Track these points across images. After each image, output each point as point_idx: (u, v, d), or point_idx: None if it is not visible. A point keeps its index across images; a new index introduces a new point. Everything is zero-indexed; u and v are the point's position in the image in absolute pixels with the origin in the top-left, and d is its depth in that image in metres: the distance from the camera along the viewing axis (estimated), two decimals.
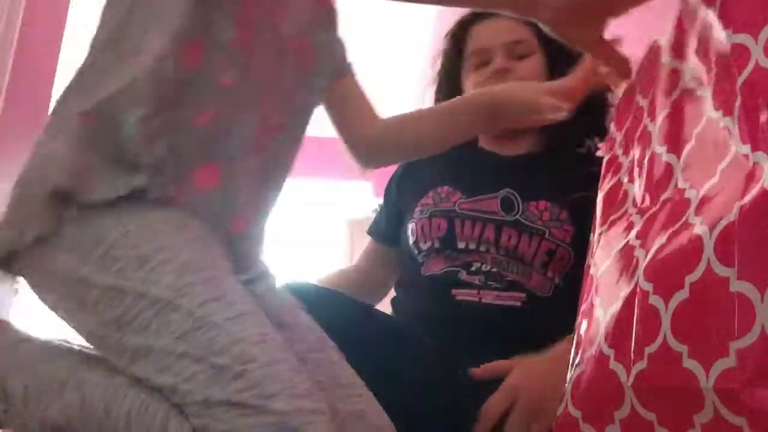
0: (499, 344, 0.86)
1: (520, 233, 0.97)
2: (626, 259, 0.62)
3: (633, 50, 0.75)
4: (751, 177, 0.49)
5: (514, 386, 0.80)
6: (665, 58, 0.68)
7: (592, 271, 0.71)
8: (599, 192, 0.76)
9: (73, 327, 0.66)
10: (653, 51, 0.73)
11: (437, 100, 1.17)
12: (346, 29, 0.89)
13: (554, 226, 0.97)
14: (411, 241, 1.05)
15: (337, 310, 0.83)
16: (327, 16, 0.86)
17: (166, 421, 0.57)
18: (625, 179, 0.71)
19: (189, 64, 0.68)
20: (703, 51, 0.62)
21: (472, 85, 1.09)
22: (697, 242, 0.51)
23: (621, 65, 0.73)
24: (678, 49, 0.66)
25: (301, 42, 0.78)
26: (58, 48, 1.98)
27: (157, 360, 0.59)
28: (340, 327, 0.77)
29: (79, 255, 0.63)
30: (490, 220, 0.99)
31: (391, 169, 1.20)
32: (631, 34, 0.77)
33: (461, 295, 0.96)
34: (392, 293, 1.11)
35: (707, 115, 0.57)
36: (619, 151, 0.76)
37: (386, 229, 1.16)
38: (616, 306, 0.60)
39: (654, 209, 0.62)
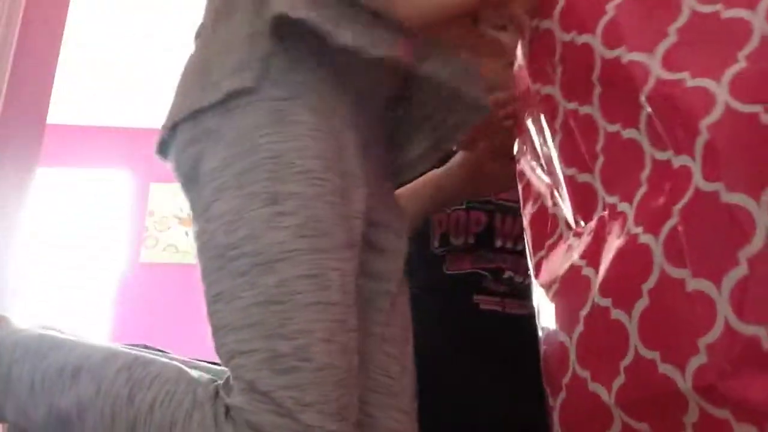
0: (522, 357, 0.83)
1: None
2: (575, 280, 0.63)
3: None
4: (681, 179, 0.51)
5: None
6: (534, 85, 0.71)
7: (539, 296, 0.70)
8: (524, 217, 0.77)
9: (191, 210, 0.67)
10: (522, 78, 0.76)
11: None
12: None
13: None
14: (437, 232, 0.99)
15: None
16: None
17: (191, 410, 0.58)
18: (549, 203, 0.72)
19: None
20: (563, 70, 0.66)
21: None
22: (645, 251, 0.53)
23: (493, 47, 0.76)
24: (541, 74, 0.69)
25: None
26: (58, 48, 1.97)
27: (232, 315, 0.60)
28: None
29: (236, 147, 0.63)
30: None
31: None
32: None
33: (484, 303, 0.93)
34: None
35: (605, 130, 0.60)
36: (532, 177, 0.77)
37: None
38: (579, 327, 0.60)
39: (591, 228, 0.63)
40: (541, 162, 0.74)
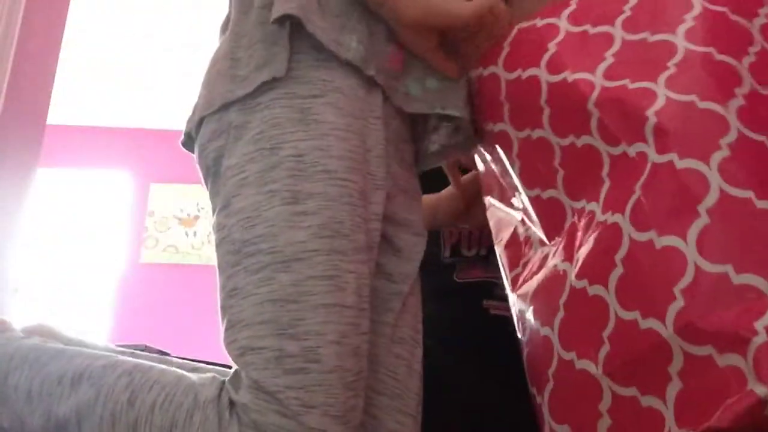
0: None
1: None
2: (552, 277, 0.67)
3: None
4: (638, 163, 0.59)
5: None
6: (487, 126, 0.77)
7: (518, 305, 0.73)
8: (497, 248, 0.81)
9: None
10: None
11: None
12: None
13: None
14: (449, 242, 1.00)
15: None
16: None
17: (192, 410, 0.58)
18: (521, 230, 0.77)
19: None
20: (510, 106, 0.73)
21: None
22: (614, 228, 0.59)
23: (447, 70, 0.77)
24: (490, 114, 0.76)
25: None
26: (58, 48, 1.97)
27: (247, 311, 0.60)
28: None
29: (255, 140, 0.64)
30: None
31: None
32: None
33: (494, 309, 0.93)
34: None
35: (559, 146, 0.67)
36: (501, 213, 0.82)
37: None
38: (560, 314, 0.64)
39: (563, 235, 0.68)
40: (507, 197, 0.80)
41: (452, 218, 0.97)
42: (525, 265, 0.75)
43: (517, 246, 0.77)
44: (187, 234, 4.54)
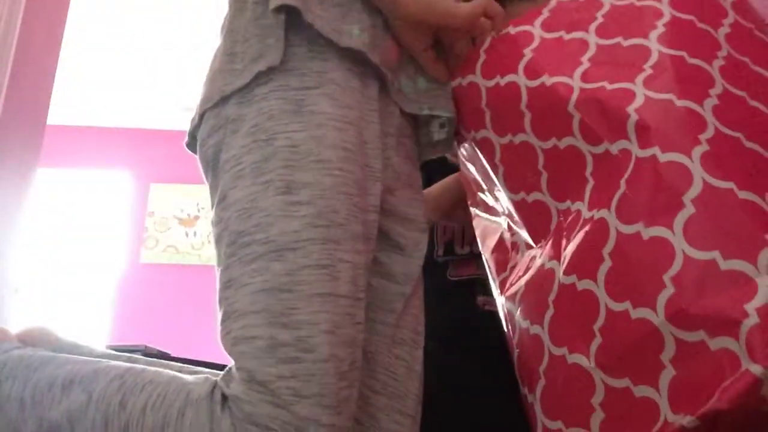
0: None
1: None
2: (540, 276, 0.68)
3: None
4: (621, 160, 0.60)
5: None
6: (469, 134, 0.78)
7: (506, 307, 0.74)
8: (484, 254, 0.83)
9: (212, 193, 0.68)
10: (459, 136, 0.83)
11: None
12: None
13: None
14: (442, 241, 1.00)
15: None
16: None
17: (183, 408, 0.57)
18: (507, 235, 0.79)
19: None
20: (492, 113, 0.75)
21: None
22: (601, 223, 0.60)
23: (437, 74, 0.78)
24: (472, 122, 0.77)
25: None
26: (58, 48, 1.97)
27: (240, 302, 0.59)
28: None
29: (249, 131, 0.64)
30: None
31: None
32: None
33: (489, 305, 0.93)
34: None
35: (542, 149, 0.68)
36: (487, 222, 0.84)
37: None
38: (549, 312, 0.65)
39: (551, 232, 0.69)
40: (491, 205, 0.81)
41: (454, 207, 0.97)
42: (512, 269, 0.76)
43: (503, 251, 0.79)
44: (187, 234, 4.54)
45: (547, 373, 0.64)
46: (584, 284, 0.61)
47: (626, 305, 0.56)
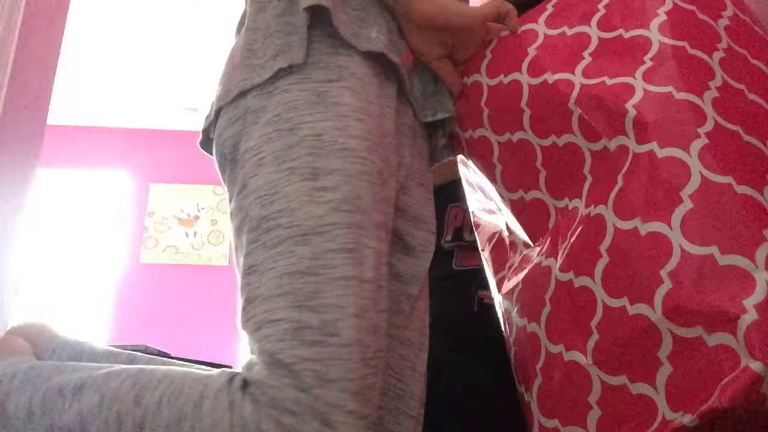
0: None
1: None
2: (537, 274, 0.68)
3: None
4: (619, 156, 0.60)
5: None
6: (465, 133, 0.79)
7: (504, 306, 0.74)
8: (483, 254, 0.83)
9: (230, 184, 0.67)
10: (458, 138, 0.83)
11: None
12: None
13: None
14: (452, 226, 1.01)
15: None
16: None
17: (200, 400, 0.56)
18: (506, 234, 0.79)
19: None
20: (490, 111, 0.75)
21: None
22: (599, 219, 0.60)
23: (452, 83, 0.79)
24: (471, 120, 0.78)
25: None
26: (58, 48, 1.97)
27: (265, 286, 0.59)
28: None
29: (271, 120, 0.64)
30: None
31: None
32: None
33: (488, 298, 0.93)
34: None
35: (540, 146, 0.68)
36: (486, 224, 0.84)
37: None
38: (546, 309, 0.64)
39: (549, 231, 0.69)
40: (489, 206, 0.81)
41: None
42: (510, 268, 0.75)
43: (502, 250, 0.78)
44: (187, 234, 4.54)
45: (543, 371, 0.64)
46: (581, 281, 0.60)
47: (623, 301, 0.56)
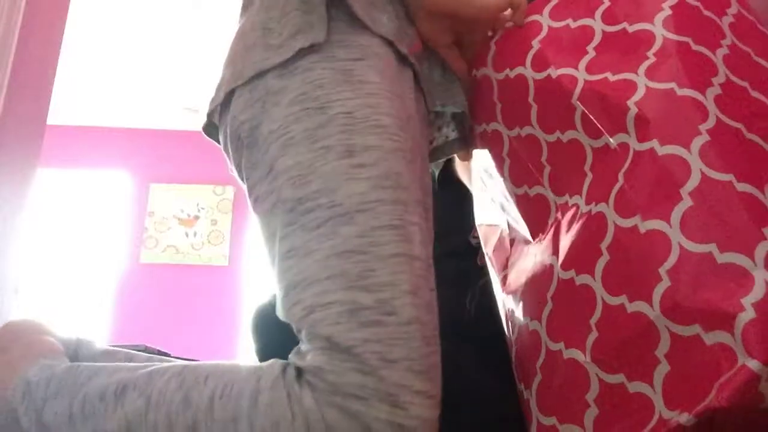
0: None
1: None
2: (539, 271, 0.68)
3: None
4: (620, 153, 0.60)
5: None
6: (480, 127, 0.79)
7: (507, 303, 0.74)
8: (486, 254, 0.83)
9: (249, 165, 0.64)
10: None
11: None
12: None
13: None
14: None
15: None
16: None
17: (255, 394, 0.53)
18: (507, 232, 0.79)
19: None
20: (502, 105, 0.75)
21: None
22: (600, 217, 0.60)
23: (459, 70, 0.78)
24: (485, 114, 0.78)
25: None
26: (58, 48, 1.97)
27: (310, 269, 0.56)
28: None
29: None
30: None
31: None
32: None
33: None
34: None
35: (546, 142, 0.69)
36: (490, 222, 0.84)
37: None
38: (548, 307, 0.64)
39: (548, 226, 0.69)
40: (493, 206, 0.81)
41: None
42: (511, 265, 0.75)
43: (503, 248, 0.78)
44: (187, 234, 4.54)
45: (543, 368, 0.64)
46: (582, 279, 0.60)
47: (622, 299, 0.56)
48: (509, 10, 0.76)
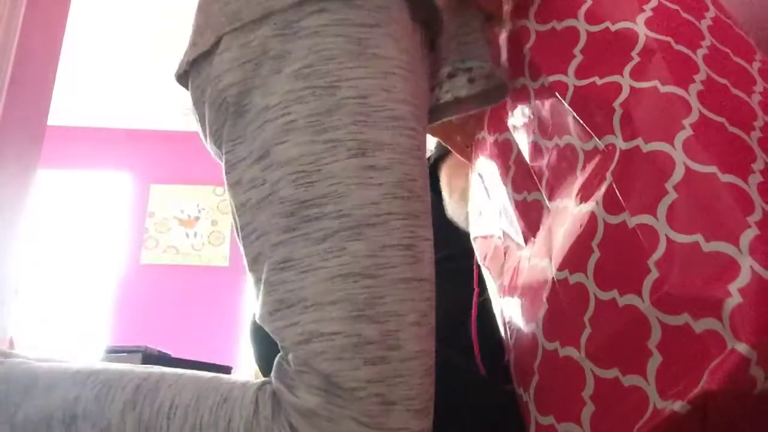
0: None
1: None
2: (535, 275, 0.69)
3: None
4: (608, 154, 0.62)
5: None
6: (491, 136, 0.82)
7: (506, 308, 0.75)
8: (482, 265, 0.85)
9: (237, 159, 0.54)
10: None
11: None
12: None
13: None
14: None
15: None
16: None
17: (254, 398, 0.50)
18: (501, 242, 0.81)
19: None
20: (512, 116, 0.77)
21: None
22: (589, 215, 0.61)
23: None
24: (498, 125, 0.81)
25: None
26: (58, 49, 1.98)
27: (311, 289, 0.49)
28: None
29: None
30: None
31: None
32: None
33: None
34: None
35: (547, 148, 0.70)
36: (486, 235, 0.86)
37: None
38: (543, 308, 0.66)
39: (539, 231, 0.71)
40: (488, 218, 0.83)
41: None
42: (507, 271, 0.77)
43: (498, 257, 0.80)
44: (187, 235, 4.54)
45: (540, 368, 0.65)
46: (576, 278, 0.61)
47: (613, 293, 0.57)
48: None
